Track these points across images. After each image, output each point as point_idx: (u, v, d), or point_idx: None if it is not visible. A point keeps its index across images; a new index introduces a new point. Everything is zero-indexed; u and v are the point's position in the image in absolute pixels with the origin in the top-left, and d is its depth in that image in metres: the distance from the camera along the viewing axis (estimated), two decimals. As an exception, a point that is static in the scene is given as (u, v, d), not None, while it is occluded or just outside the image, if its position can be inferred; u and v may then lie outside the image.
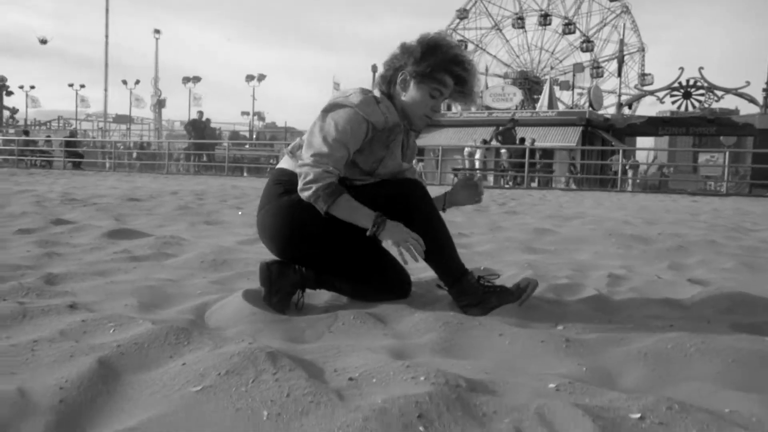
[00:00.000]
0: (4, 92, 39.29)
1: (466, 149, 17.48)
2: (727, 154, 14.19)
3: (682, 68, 29.20)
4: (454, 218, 4.81)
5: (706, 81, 28.68)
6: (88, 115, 44.15)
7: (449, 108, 28.72)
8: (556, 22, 41.96)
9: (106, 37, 41.54)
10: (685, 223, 5.94)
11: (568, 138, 26.53)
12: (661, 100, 29.60)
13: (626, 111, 31.85)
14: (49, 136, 24.44)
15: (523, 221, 5.53)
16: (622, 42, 33.97)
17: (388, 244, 2.10)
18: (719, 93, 28.70)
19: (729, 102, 29.28)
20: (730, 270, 3.25)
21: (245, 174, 18.12)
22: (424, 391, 1.37)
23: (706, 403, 1.41)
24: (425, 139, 23.90)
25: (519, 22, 42.58)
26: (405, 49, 2.13)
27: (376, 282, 2.33)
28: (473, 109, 30.40)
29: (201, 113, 20.45)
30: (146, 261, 3.03)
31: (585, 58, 40.62)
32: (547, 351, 1.83)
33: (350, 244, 2.20)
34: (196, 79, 39.25)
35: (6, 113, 39.43)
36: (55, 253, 3.12)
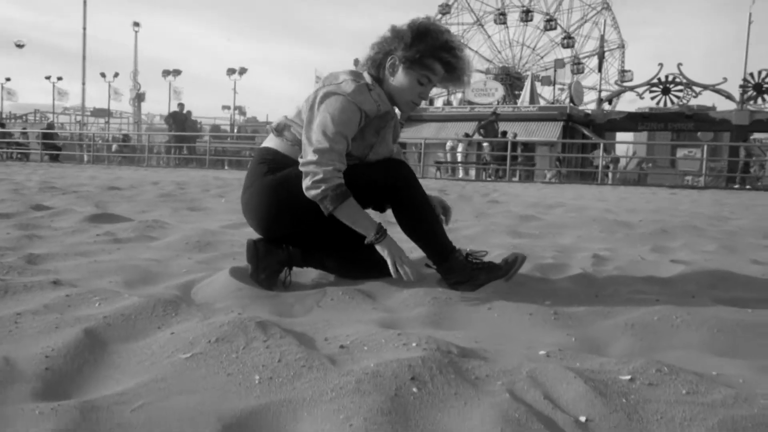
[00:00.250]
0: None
1: (448, 143, 17.52)
2: (705, 148, 14.38)
3: (661, 64, 29.50)
4: (438, 206, 4.81)
5: (684, 77, 29.00)
6: (66, 109, 43.47)
7: (431, 102, 28.77)
8: (538, 18, 42.16)
9: (84, 29, 40.93)
10: (666, 212, 6.01)
11: (549, 133, 26.70)
12: (640, 96, 29.86)
13: (606, 106, 32.13)
14: (24, 128, 24.01)
15: (507, 209, 5.56)
16: (602, 38, 34.25)
17: (384, 254, 2.08)
18: (697, 89, 29.04)
19: (706, 99, 29.64)
20: (711, 252, 3.30)
21: (226, 167, 17.98)
22: (417, 355, 1.37)
23: (694, 368, 1.43)
24: (407, 133, 23.90)
25: (501, 17, 42.69)
26: (395, 33, 2.11)
27: (363, 259, 2.31)
28: (455, 104, 30.50)
29: (182, 105, 20.23)
30: (129, 243, 2.99)
31: (566, 54, 40.87)
32: (535, 323, 1.84)
33: (336, 222, 2.19)
34: (177, 72, 38.82)
35: (-20, 106, 38.68)
36: (35, 236, 3.07)
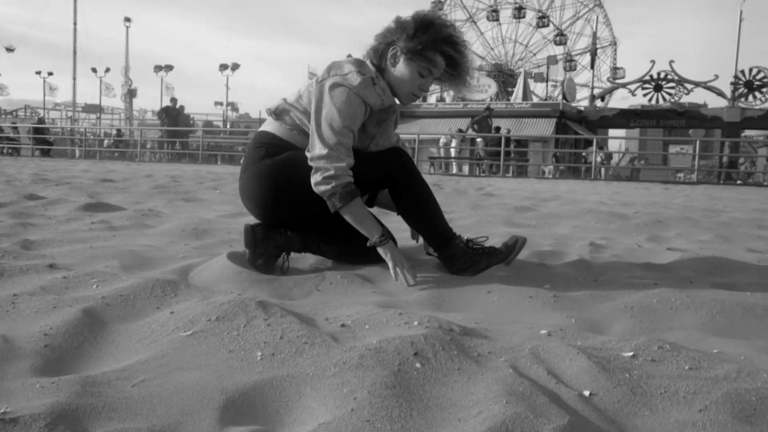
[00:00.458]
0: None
1: (442, 139, 17.51)
2: (698, 143, 14.45)
3: (653, 61, 29.59)
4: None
5: (676, 74, 29.09)
6: (57, 104, 43.15)
7: (424, 99, 28.73)
8: (530, 15, 42.17)
9: (74, 24, 40.64)
10: (660, 205, 6.03)
11: (542, 129, 26.74)
12: (632, 93, 29.94)
13: (599, 103, 32.22)
14: (14, 122, 23.81)
15: (502, 202, 5.57)
16: (594, 35, 34.31)
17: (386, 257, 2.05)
18: (689, 86, 29.14)
19: (698, 96, 29.84)
20: (706, 241, 3.31)
21: (219, 162, 17.90)
22: (419, 333, 1.36)
23: (695, 347, 1.43)
24: (400, 129, 23.81)
25: (494, 14, 42.66)
26: (399, 23, 2.09)
27: (360, 244, 2.31)
28: (448, 100, 30.48)
29: (174, 100, 20.09)
30: (125, 230, 2.97)
31: (558, 51, 40.93)
32: (535, 306, 1.84)
33: None
34: (168, 68, 38.59)
35: (-30, 101, 38.34)
36: (29, 224, 3.04)
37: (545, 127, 26.81)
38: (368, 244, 2.04)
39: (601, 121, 28.94)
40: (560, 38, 41.03)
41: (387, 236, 2.05)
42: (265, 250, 2.17)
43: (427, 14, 2.10)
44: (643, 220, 4.08)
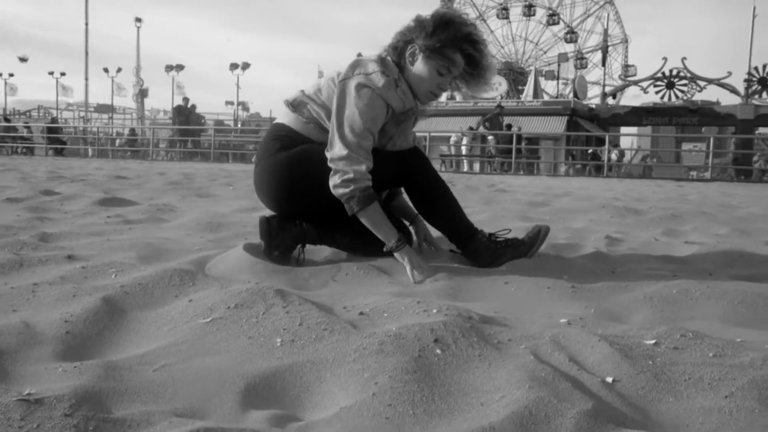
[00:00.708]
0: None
1: (453, 137, 17.47)
2: (712, 140, 14.32)
3: (665, 58, 29.34)
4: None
5: (688, 71, 28.86)
6: (69, 105, 43.46)
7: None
8: (540, 13, 41.99)
9: (86, 24, 40.93)
10: (675, 201, 5.99)
11: (553, 127, 26.62)
12: (644, 90, 29.72)
13: (610, 101, 32.02)
14: (27, 122, 24.00)
15: (515, 197, 5.54)
16: (605, 33, 34.10)
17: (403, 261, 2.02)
18: (701, 83, 28.90)
19: (710, 93, 29.55)
20: (724, 235, 3.28)
21: (230, 161, 17.96)
22: (438, 320, 1.36)
23: (717, 336, 1.42)
24: (411, 128, 23.69)
25: (503, 12, 42.51)
26: (418, 22, 2.06)
27: (376, 237, 2.30)
28: (458, 98, 30.38)
29: (186, 99, 20.15)
30: (141, 224, 2.99)
31: (569, 49, 40.72)
32: (553, 296, 1.83)
33: None
34: (180, 68, 38.75)
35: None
36: (46, 218, 3.06)
37: (556, 125, 26.69)
38: (385, 249, 2.03)
39: (613, 119, 28.76)
40: (571, 36, 40.84)
41: (403, 241, 2.03)
42: (281, 241, 2.16)
43: (447, 12, 2.07)
44: (659, 214, 4.05)
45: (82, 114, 39.80)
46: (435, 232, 2.41)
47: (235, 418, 1.01)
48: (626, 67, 36.90)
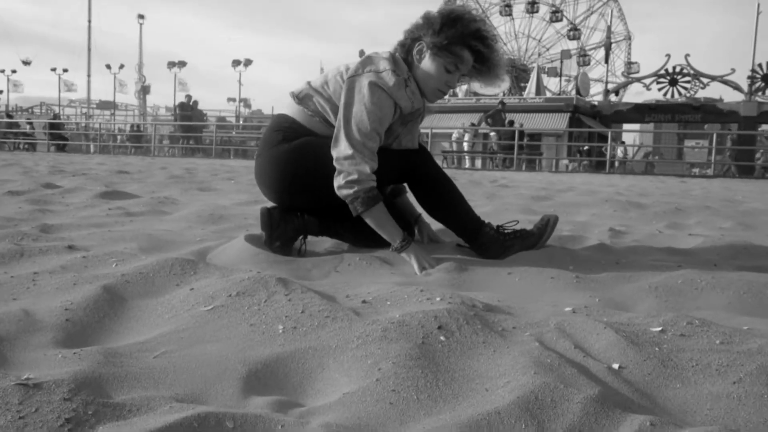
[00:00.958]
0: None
1: (454, 134, 17.43)
2: (715, 136, 14.28)
3: (668, 55, 29.25)
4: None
5: (692, 68, 28.76)
6: (72, 101, 43.46)
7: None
8: (543, 10, 41.87)
9: (89, 21, 40.89)
10: (678, 196, 5.96)
11: (555, 124, 26.57)
12: (647, 87, 29.65)
13: (613, 98, 31.93)
14: (30, 119, 24.00)
15: (518, 192, 5.52)
16: (609, 29, 34.00)
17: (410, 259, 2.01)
18: (705, 80, 28.82)
19: (714, 91, 29.46)
20: (728, 228, 3.26)
21: (232, 157, 17.96)
22: (442, 308, 1.34)
23: (724, 324, 1.40)
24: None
25: (506, 9, 42.39)
26: (426, 19, 2.04)
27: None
28: (460, 95, 30.34)
29: (189, 96, 20.23)
30: (142, 216, 2.97)
31: (572, 46, 40.61)
32: (557, 286, 1.81)
33: None
34: (182, 64, 38.73)
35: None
36: (48, 210, 3.05)
37: (559, 122, 26.65)
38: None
39: (616, 116, 28.70)
40: (574, 33, 40.73)
41: (408, 240, 2.01)
42: (282, 232, 2.15)
43: (456, 9, 2.04)
44: (662, 208, 4.03)
45: (85, 110, 39.80)
46: (437, 226, 2.40)
47: (236, 404, 1.00)
48: (629, 64, 36.80)
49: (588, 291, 1.77)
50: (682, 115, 28.26)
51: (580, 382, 1.02)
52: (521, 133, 14.77)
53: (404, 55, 2.06)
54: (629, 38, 43.34)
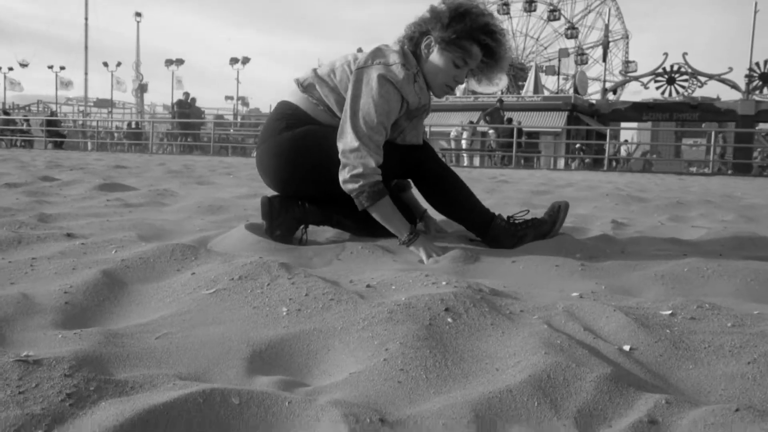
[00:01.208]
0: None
1: (453, 132, 17.41)
2: (713, 134, 14.28)
3: (666, 54, 29.25)
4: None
5: (689, 67, 28.75)
6: (69, 99, 43.32)
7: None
8: (541, 9, 41.86)
9: (86, 19, 40.78)
10: (678, 191, 5.95)
11: (553, 122, 26.56)
12: (645, 86, 29.64)
13: (611, 97, 31.93)
14: (26, 116, 23.91)
15: (517, 187, 5.51)
16: (606, 28, 33.99)
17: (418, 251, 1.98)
18: (702, 79, 28.81)
19: (711, 90, 29.47)
20: (730, 221, 3.24)
21: (230, 154, 17.92)
22: (449, 291, 1.32)
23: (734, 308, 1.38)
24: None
25: (504, 8, 42.36)
26: (434, 12, 2.01)
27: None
28: (458, 93, 30.30)
29: (187, 94, 20.16)
30: (141, 207, 2.95)
31: (570, 44, 40.61)
32: (562, 274, 1.79)
33: None
34: (179, 62, 38.63)
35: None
36: (45, 201, 3.02)
37: (557, 121, 26.65)
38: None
39: (613, 115, 28.69)
40: (571, 31, 40.72)
41: (416, 233, 1.99)
42: (283, 221, 2.12)
43: (463, 2, 1.99)
44: (663, 202, 4.02)
45: (82, 108, 39.70)
46: (443, 220, 2.37)
47: (240, 383, 0.97)
48: (627, 63, 36.80)
49: (594, 279, 1.74)
50: (679, 113, 28.26)
51: (592, 362, 1.00)
52: (519, 131, 14.75)
53: (412, 48, 2.03)
54: (627, 37, 43.36)
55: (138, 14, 42.21)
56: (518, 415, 0.86)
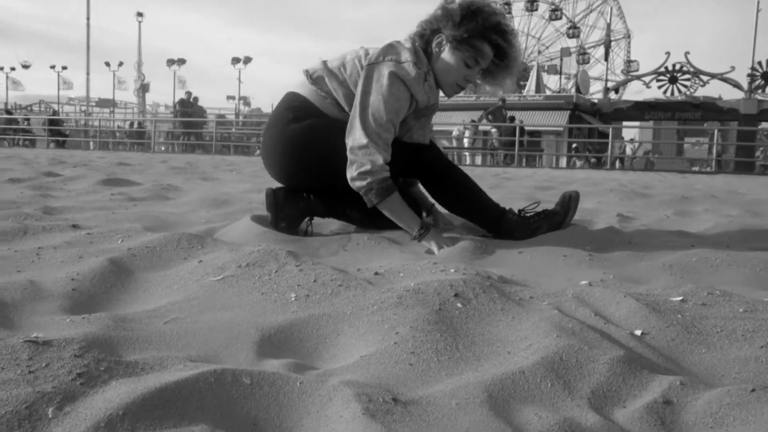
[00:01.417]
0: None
1: (454, 131, 17.40)
2: (716, 133, 14.26)
3: (668, 53, 29.20)
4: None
5: (692, 66, 28.72)
6: (71, 99, 43.36)
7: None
8: (543, 8, 41.82)
9: (88, 19, 40.82)
10: (682, 188, 5.93)
11: (555, 122, 26.54)
12: (647, 85, 29.60)
13: (613, 96, 31.89)
14: (27, 116, 23.93)
15: (521, 184, 5.50)
16: (608, 27, 33.95)
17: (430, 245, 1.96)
18: (705, 78, 28.76)
19: (713, 89, 29.41)
20: (736, 215, 3.23)
21: (232, 153, 17.92)
22: (458, 278, 1.31)
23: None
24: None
25: (506, 7, 42.27)
26: (445, 10, 1.99)
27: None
28: (461, 93, 30.27)
29: (189, 93, 20.14)
30: (145, 201, 2.94)
31: (571, 44, 40.57)
32: (570, 263, 1.78)
33: None
34: (181, 62, 38.63)
35: (-14, 95, 38.55)
36: (50, 195, 3.02)
37: (559, 120, 26.63)
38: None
39: (615, 114, 28.66)
40: (573, 31, 40.68)
41: (427, 227, 1.98)
42: (287, 213, 2.11)
43: (475, 1, 1.98)
44: (668, 197, 4.00)
45: (84, 108, 39.73)
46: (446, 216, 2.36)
47: (250, 366, 0.97)
48: (628, 62, 36.74)
49: (601, 269, 1.73)
50: (682, 113, 28.22)
51: (605, 345, 1.00)
52: (521, 130, 14.74)
53: (423, 45, 2.01)
54: (629, 36, 43.30)
55: (139, 14, 42.25)
56: (531, 396, 0.85)
